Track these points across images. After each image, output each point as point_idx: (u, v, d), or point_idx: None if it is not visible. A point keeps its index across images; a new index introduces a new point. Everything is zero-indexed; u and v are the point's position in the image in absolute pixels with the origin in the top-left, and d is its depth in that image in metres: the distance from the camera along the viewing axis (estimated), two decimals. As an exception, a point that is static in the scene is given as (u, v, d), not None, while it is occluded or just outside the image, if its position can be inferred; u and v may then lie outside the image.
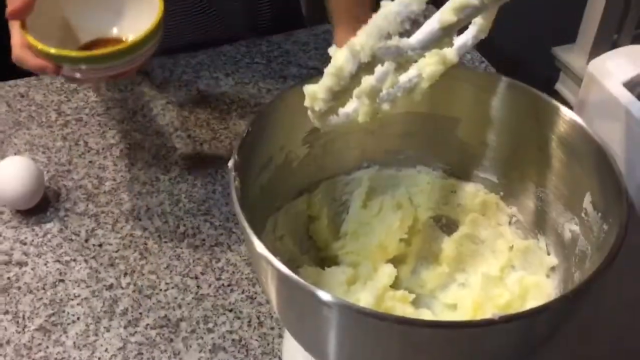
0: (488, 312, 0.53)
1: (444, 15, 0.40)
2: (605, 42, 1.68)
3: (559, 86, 1.83)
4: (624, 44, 1.80)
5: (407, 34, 0.40)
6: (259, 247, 0.41)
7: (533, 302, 0.52)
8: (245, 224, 0.42)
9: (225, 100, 0.88)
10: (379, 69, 0.43)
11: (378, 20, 0.37)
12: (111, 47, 0.59)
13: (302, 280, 0.41)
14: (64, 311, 0.62)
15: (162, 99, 0.88)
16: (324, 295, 0.40)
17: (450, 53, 0.47)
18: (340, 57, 0.39)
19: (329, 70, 0.40)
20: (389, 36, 0.37)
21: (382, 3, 0.38)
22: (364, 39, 0.38)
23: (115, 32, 0.66)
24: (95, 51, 0.61)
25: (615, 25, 1.68)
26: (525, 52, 2.04)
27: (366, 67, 0.39)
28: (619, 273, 0.46)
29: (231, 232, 0.71)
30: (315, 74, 0.40)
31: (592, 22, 1.69)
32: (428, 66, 0.46)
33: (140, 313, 0.62)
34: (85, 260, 0.67)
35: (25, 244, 0.69)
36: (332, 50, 0.40)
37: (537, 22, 1.96)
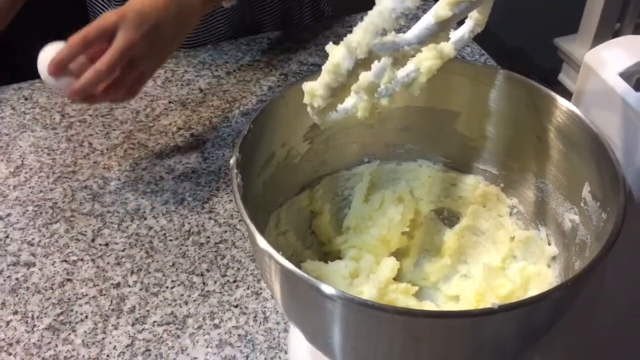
0: (490, 303, 0.53)
1: (439, 10, 0.40)
2: (607, 31, 1.68)
3: (562, 77, 1.83)
4: (626, 32, 1.79)
5: (404, 29, 0.41)
6: (262, 242, 0.42)
7: (535, 291, 0.53)
8: (248, 221, 0.43)
9: (228, 98, 0.89)
10: (376, 65, 0.43)
11: (373, 17, 0.38)
12: None
13: (305, 275, 0.41)
14: (72, 310, 0.63)
15: (165, 98, 0.89)
16: (327, 289, 0.40)
17: (447, 47, 0.47)
18: (336, 54, 0.39)
19: (326, 67, 0.40)
20: (384, 32, 0.38)
21: (377, 0, 0.38)
22: (360, 35, 0.38)
23: None
24: None
25: (617, 14, 1.68)
26: (527, 44, 2.04)
27: (363, 64, 0.40)
28: (623, 259, 0.47)
29: (235, 229, 0.71)
30: (316, 70, 0.41)
31: (594, 11, 1.69)
32: (425, 60, 0.47)
33: (148, 310, 0.63)
34: (92, 260, 0.68)
35: (32, 244, 0.70)
36: (329, 48, 0.40)
37: (539, 14, 1.96)
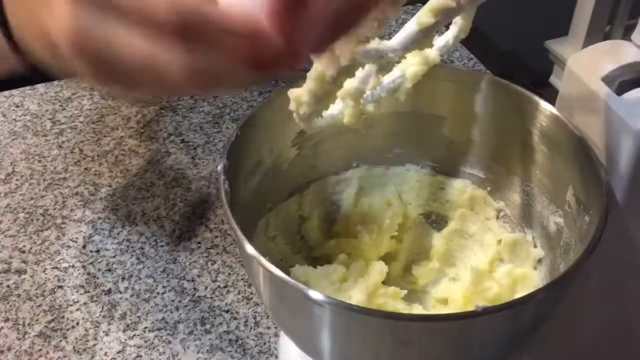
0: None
1: (422, 18, 0.41)
2: (598, 33, 1.68)
3: (553, 79, 1.84)
4: (616, 35, 1.80)
5: (392, 34, 0.41)
6: (249, 248, 0.42)
7: (521, 293, 0.53)
8: (235, 227, 0.43)
9: (218, 104, 0.89)
10: (362, 71, 0.44)
11: (356, 25, 0.38)
12: None
13: (291, 280, 0.42)
14: (63, 317, 0.64)
15: (156, 104, 0.89)
16: (314, 294, 0.41)
17: (432, 53, 0.48)
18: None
19: (310, 74, 0.41)
20: (367, 40, 0.38)
21: (359, 8, 0.38)
22: (342, 43, 0.39)
23: None
24: None
25: (607, 16, 1.69)
26: (519, 46, 2.05)
27: (347, 71, 0.40)
28: (608, 261, 0.47)
29: (226, 234, 0.72)
30: (305, 75, 0.41)
31: (584, 14, 1.69)
32: (411, 67, 0.47)
33: (139, 316, 0.64)
34: (83, 266, 0.68)
35: (23, 252, 0.70)
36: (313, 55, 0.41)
37: (529, 16, 1.97)
